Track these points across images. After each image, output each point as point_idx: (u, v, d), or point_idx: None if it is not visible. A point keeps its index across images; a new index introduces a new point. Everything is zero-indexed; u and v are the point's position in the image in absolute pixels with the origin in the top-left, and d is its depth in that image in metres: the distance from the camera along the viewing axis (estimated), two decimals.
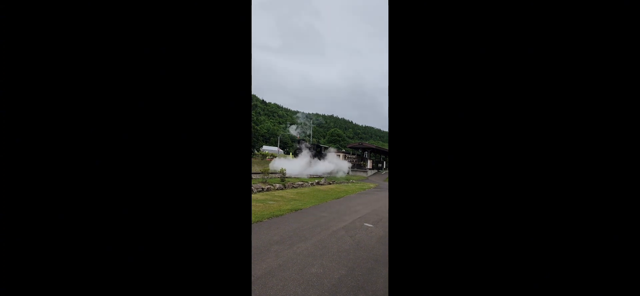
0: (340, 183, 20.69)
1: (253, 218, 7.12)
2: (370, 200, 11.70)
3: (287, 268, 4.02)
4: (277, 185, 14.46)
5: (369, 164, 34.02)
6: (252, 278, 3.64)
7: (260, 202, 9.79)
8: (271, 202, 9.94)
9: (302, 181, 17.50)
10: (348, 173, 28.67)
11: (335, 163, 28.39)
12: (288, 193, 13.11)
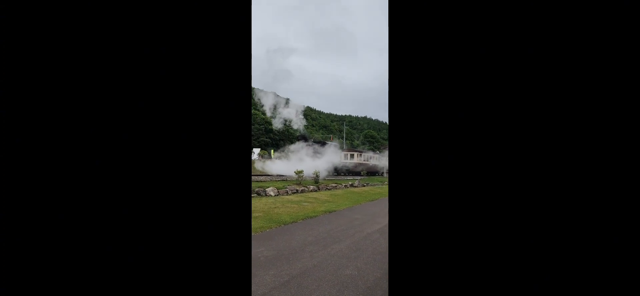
0: (375, 185, 20.34)
1: (288, 219, 7.27)
2: None
3: (322, 269, 4.02)
4: (311, 187, 14.64)
5: None
6: (288, 276, 3.70)
7: (294, 203, 9.96)
8: (305, 203, 10.06)
9: (335, 183, 17.50)
10: (384, 175, 28.21)
11: (376, 159, 27.98)
12: (322, 194, 13.18)
